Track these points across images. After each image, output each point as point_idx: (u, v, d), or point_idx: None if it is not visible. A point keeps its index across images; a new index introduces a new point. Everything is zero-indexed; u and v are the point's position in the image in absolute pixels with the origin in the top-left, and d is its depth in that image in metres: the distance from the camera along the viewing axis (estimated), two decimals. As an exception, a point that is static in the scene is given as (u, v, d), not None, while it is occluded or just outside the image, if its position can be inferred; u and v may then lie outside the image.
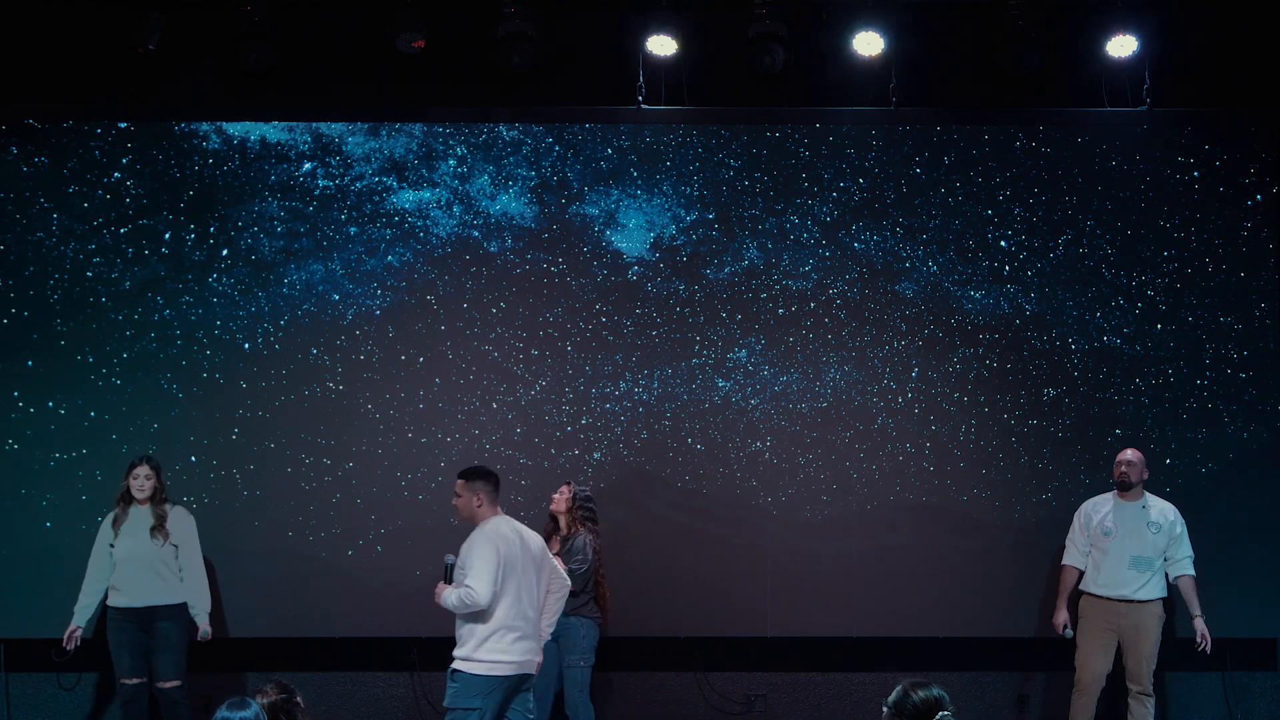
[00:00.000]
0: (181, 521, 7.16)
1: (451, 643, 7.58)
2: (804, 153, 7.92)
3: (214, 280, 7.81)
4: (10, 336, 7.72)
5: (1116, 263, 7.86)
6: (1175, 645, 7.50)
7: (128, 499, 7.09)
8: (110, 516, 7.13)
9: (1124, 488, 7.28)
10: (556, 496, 7.30)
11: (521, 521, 7.73)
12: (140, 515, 7.08)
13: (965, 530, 7.76)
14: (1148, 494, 7.33)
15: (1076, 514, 7.41)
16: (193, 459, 7.65)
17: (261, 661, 7.65)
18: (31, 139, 7.81)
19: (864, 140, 7.91)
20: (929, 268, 7.87)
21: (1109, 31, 7.65)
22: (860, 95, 7.87)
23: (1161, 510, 7.29)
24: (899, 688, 4.11)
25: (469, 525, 6.07)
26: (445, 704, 5.92)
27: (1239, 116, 7.89)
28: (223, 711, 4.23)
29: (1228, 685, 7.75)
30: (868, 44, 7.65)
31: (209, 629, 7.11)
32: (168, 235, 7.83)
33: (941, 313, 7.86)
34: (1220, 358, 7.80)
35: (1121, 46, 7.65)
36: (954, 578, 7.72)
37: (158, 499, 7.11)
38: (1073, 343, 7.83)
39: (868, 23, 7.62)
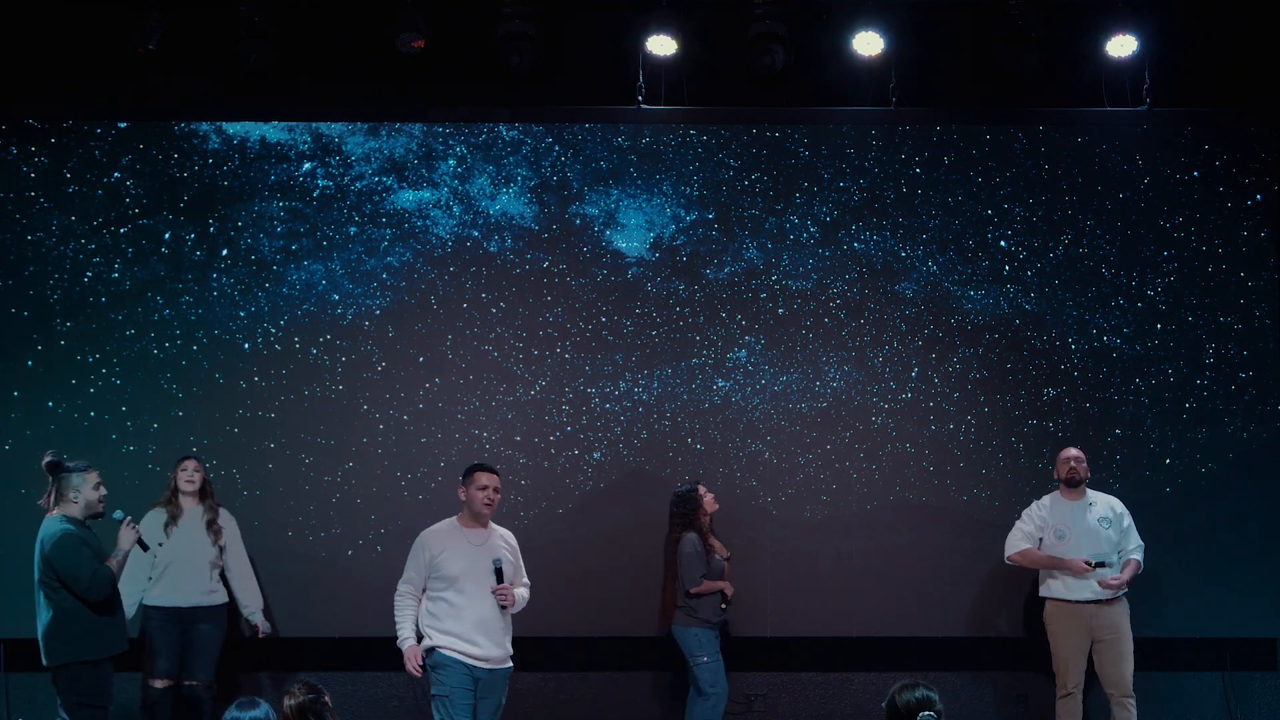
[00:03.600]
0: (230, 524, 7.20)
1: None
2: (804, 153, 7.92)
3: (214, 280, 7.81)
4: (10, 336, 7.72)
5: (1116, 263, 7.86)
6: (1175, 645, 7.51)
7: (175, 496, 7.07)
8: (154, 515, 7.05)
9: (1073, 484, 7.21)
10: (709, 498, 7.26)
11: (521, 524, 7.78)
12: (190, 515, 7.07)
13: (965, 530, 7.76)
14: (1090, 490, 7.28)
15: (1024, 516, 7.27)
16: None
17: (261, 662, 7.65)
18: (31, 139, 7.81)
19: (864, 140, 7.92)
20: (929, 268, 7.87)
21: (1109, 31, 7.65)
22: (860, 95, 7.87)
23: (1108, 504, 7.25)
24: (891, 690, 4.17)
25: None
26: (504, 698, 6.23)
27: (1239, 116, 7.89)
28: (232, 711, 4.24)
29: (1228, 685, 7.75)
30: (868, 44, 7.64)
31: (268, 624, 7.22)
32: (168, 235, 7.83)
33: (941, 313, 7.86)
34: (1220, 358, 7.80)
35: (1121, 46, 7.65)
36: (954, 578, 7.72)
37: (206, 492, 7.14)
38: (1073, 343, 7.83)
39: (868, 23, 7.62)
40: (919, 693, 4.15)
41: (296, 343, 7.80)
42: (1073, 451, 7.28)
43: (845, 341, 7.84)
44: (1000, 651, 7.76)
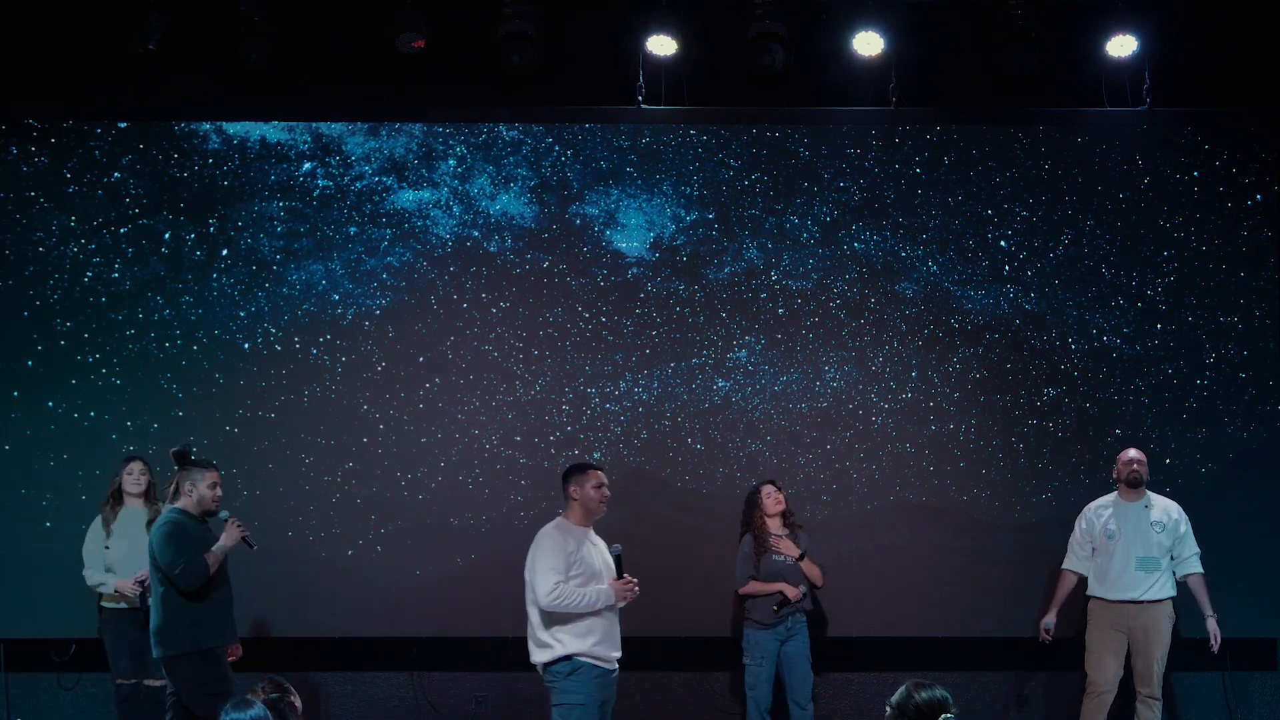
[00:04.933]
0: None
1: (448, 643, 7.59)
2: (804, 153, 7.92)
3: (214, 280, 7.82)
4: (10, 336, 7.72)
5: (1116, 263, 7.86)
6: (1176, 645, 7.49)
7: (118, 498, 7.04)
8: (99, 519, 7.05)
9: (1134, 485, 7.16)
10: (772, 498, 7.20)
11: (521, 524, 7.78)
12: (133, 515, 7.03)
13: (965, 530, 7.76)
14: (1149, 493, 7.25)
15: (1078, 518, 7.30)
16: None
17: (262, 661, 7.62)
18: (31, 139, 7.82)
19: (864, 140, 7.92)
20: (929, 268, 7.88)
21: (1109, 31, 7.65)
22: (860, 95, 7.87)
23: (1165, 509, 7.21)
24: (903, 687, 4.08)
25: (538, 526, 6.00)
26: None
27: (1239, 116, 7.89)
28: (229, 712, 4.21)
29: (1228, 685, 7.75)
30: (868, 44, 7.64)
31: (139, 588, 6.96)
32: (168, 235, 7.84)
33: (941, 313, 7.86)
34: (1220, 358, 7.80)
35: (1121, 46, 7.65)
36: (954, 578, 7.72)
37: (151, 496, 7.09)
38: (1073, 343, 7.83)
39: (868, 23, 7.61)
40: (938, 692, 4.09)
41: (296, 343, 7.80)
42: (1133, 453, 7.23)
43: (845, 341, 7.85)
44: (1000, 651, 7.76)
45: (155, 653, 6.15)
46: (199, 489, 6.23)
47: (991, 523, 7.75)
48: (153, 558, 6.12)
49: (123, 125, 7.85)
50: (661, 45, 7.65)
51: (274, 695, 4.28)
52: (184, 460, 6.29)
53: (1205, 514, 7.63)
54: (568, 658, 5.74)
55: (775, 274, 7.88)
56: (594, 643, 5.75)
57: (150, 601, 6.22)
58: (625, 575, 5.85)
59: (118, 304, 7.78)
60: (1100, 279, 7.86)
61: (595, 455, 7.77)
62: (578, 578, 5.76)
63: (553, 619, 5.74)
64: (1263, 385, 7.79)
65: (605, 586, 5.80)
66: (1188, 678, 7.73)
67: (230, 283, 7.82)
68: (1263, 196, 7.87)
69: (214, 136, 7.89)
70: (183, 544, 6.07)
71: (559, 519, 5.98)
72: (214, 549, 6.15)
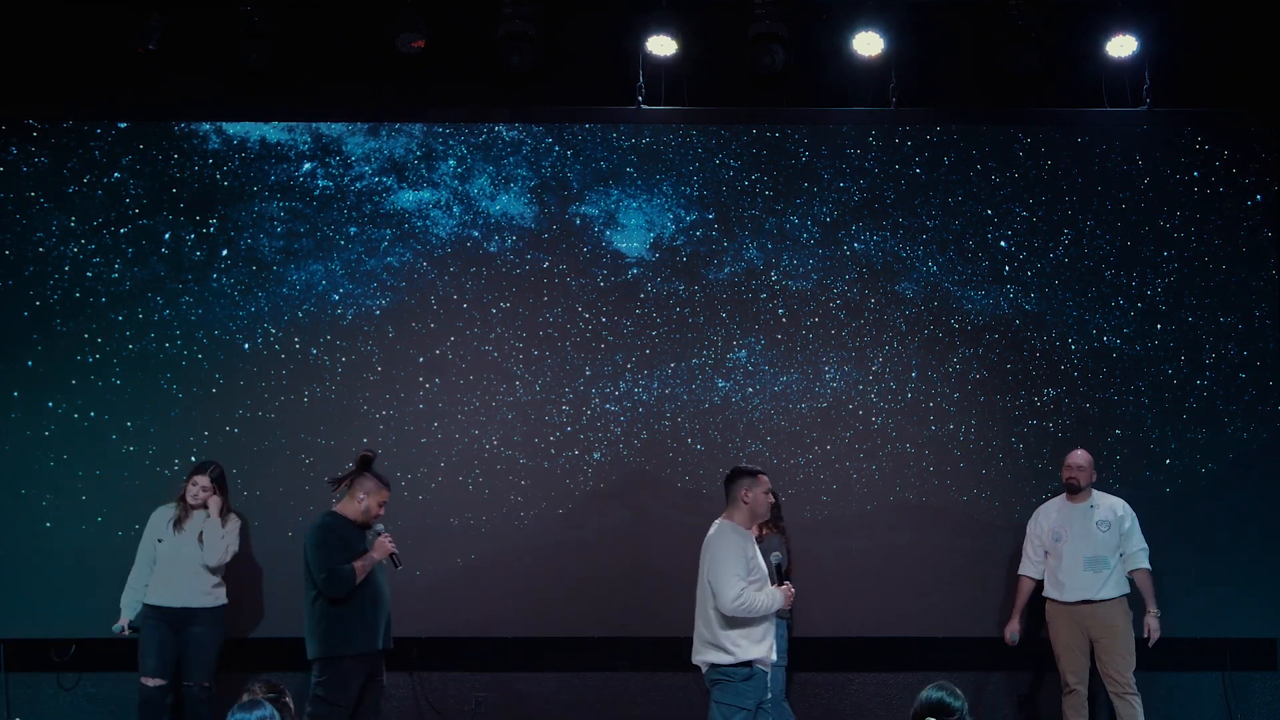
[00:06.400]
0: (211, 526, 7.18)
1: (448, 643, 7.58)
2: (804, 153, 7.92)
3: (214, 280, 7.82)
4: (10, 336, 7.72)
5: (1116, 263, 7.86)
6: (1175, 645, 7.50)
7: (185, 500, 7.14)
8: (165, 512, 7.14)
9: (1073, 491, 7.30)
10: None
11: (521, 524, 7.78)
12: (196, 518, 7.12)
13: (965, 530, 7.76)
14: (1096, 492, 7.33)
15: (1029, 523, 7.43)
16: (193, 459, 7.63)
17: (263, 661, 7.63)
18: (31, 139, 7.82)
19: (864, 140, 7.92)
20: (929, 268, 7.87)
21: (1109, 31, 7.65)
22: (860, 95, 7.88)
23: (1109, 507, 7.28)
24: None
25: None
26: None
27: (1239, 116, 7.89)
28: (236, 713, 4.23)
29: (1228, 685, 7.75)
30: (868, 44, 7.65)
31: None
32: (168, 235, 7.84)
33: (941, 313, 7.86)
34: (1220, 358, 7.80)
35: (1121, 46, 7.65)
36: (954, 578, 7.72)
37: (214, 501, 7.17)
38: (1073, 343, 7.83)
39: (868, 23, 7.62)
40: (933, 694, 4.13)
41: (296, 343, 7.80)
42: (1074, 458, 7.33)
43: (845, 341, 7.85)
44: (1000, 651, 7.74)
45: (308, 653, 6.25)
46: (369, 501, 6.31)
47: (991, 523, 7.75)
48: (306, 561, 6.22)
49: (123, 125, 7.86)
50: (661, 45, 7.65)
51: (270, 696, 4.35)
52: (367, 467, 6.34)
53: (1205, 514, 7.66)
54: (748, 664, 5.81)
55: (775, 274, 7.88)
56: (768, 648, 5.87)
57: (304, 604, 6.32)
58: (787, 582, 5.94)
59: (118, 304, 7.78)
60: (1100, 279, 7.86)
61: (595, 455, 7.77)
62: (756, 582, 5.85)
63: (733, 624, 5.80)
64: (1263, 385, 7.79)
65: (777, 591, 5.90)
66: (1188, 678, 7.73)
67: (230, 283, 7.82)
68: (1263, 196, 7.87)
69: (214, 136, 7.89)
70: (331, 550, 6.17)
71: (726, 522, 5.98)
72: (361, 560, 6.22)
